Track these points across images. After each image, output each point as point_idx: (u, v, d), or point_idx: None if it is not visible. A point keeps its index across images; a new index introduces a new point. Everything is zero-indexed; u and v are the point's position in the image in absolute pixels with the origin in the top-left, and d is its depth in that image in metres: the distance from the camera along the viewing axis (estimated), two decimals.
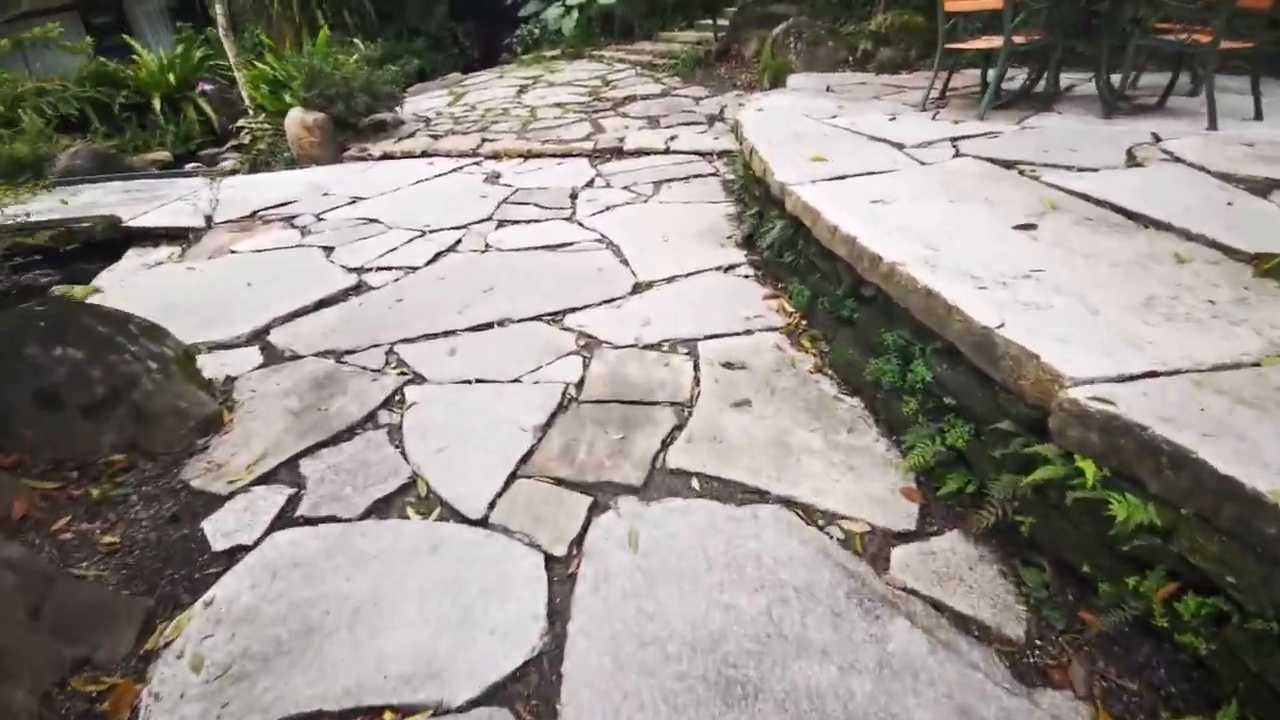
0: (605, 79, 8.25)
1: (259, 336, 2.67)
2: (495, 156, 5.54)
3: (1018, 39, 3.67)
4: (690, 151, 5.06)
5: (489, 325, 2.65)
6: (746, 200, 3.49)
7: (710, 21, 8.85)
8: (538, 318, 2.68)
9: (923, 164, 2.85)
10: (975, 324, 1.46)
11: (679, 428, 1.94)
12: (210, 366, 2.43)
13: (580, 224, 3.76)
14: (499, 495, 1.72)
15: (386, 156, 5.86)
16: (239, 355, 2.54)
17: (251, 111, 6.46)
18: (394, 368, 2.39)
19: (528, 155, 5.44)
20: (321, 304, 2.95)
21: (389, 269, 3.31)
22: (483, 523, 1.64)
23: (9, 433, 1.67)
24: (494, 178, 4.92)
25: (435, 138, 6.19)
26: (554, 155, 5.37)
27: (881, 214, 2.17)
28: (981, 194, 2.33)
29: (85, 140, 6.96)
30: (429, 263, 3.35)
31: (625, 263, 3.16)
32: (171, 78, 8.00)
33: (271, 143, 6.10)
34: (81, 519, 1.62)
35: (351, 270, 3.32)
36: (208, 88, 8.29)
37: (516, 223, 3.86)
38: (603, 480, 1.76)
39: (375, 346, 2.53)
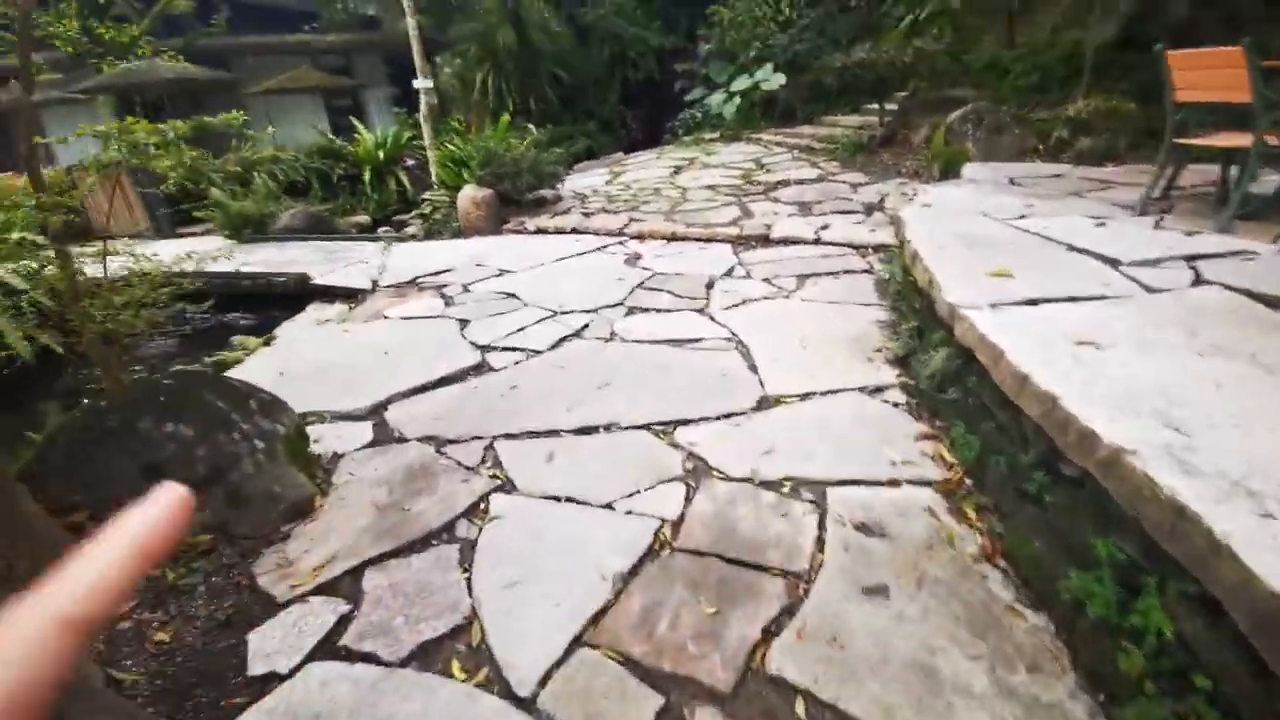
0: (760, 162, 8.19)
1: (377, 411, 2.70)
2: (639, 237, 5.56)
3: (1272, 139, 2.91)
4: (842, 243, 4.68)
5: (595, 429, 2.45)
6: (903, 310, 3.04)
7: (877, 106, 8.53)
8: (647, 426, 2.43)
9: (1149, 290, 2.23)
10: (1266, 588, 0.94)
11: (789, 612, 1.54)
12: (327, 438, 2.48)
13: (712, 318, 3.52)
14: (556, 666, 1.43)
15: (540, 231, 6.15)
16: (354, 430, 2.56)
17: (436, 185, 7.21)
18: (489, 467, 2.25)
19: (671, 238, 5.40)
20: (443, 381, 2.95)
21: (514, 350, 3.29)
22: (529, 704, 1.35)
23: (113, 505, 1.72)
24: (634, 259, 4.90)
25: (587, 215, 6.42)
26: (697, 239, 5.27)
27: (1092, 363, 1.65)
28: (1246, 346, 1.71)
29: (305, 203, 8.20)
30: (552, 347, 3.28)
31: (754, 369, 2.84)
32: (381, 154, 9.28)
33: (445, 214, 6.71)
34: (146, 605, 1.60)
35: (479, 347, 3.34)
36: (409, 163, 9.50)
37: (647, 311, 3.72)
38: (681, 673, 1.40)
39: (477, 439, 2.42)
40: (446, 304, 4.17)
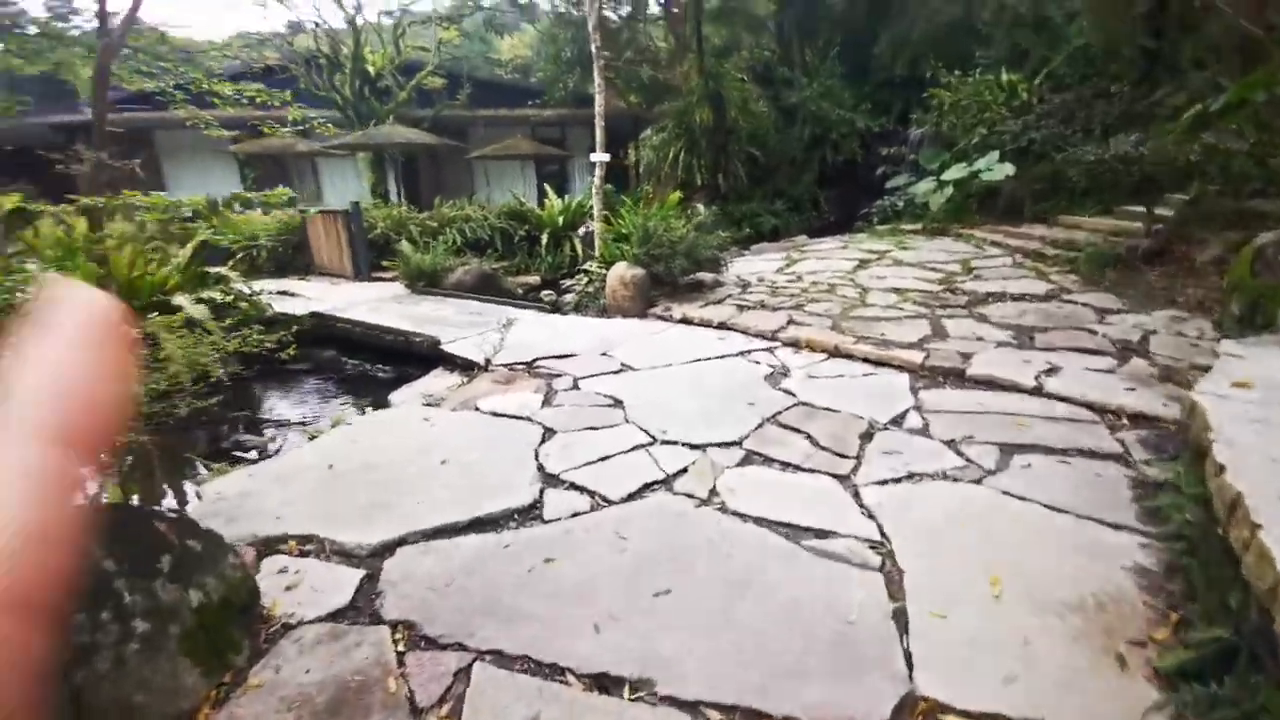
0: (968, 265, 6.79)
1: (380, 555, 2.14)
2: (795, 345, 4.64)
3: None
4: (1078, 400, 3.31)
5: (618, 684, 1.59)
6: (1195, 571, 1.77)
7: (1143, 210, 6.69)
8: (696, 706, 1.52)
9: None
10: None
11: None
12: (301, 587, 1.95)
13: (856, 495, 2.49)
14: None
15: (685, 321, 5.51)
16: (336, 581, 2.01)
17: (597, 258, 7.03)
18: (445, 715, 1.51)
19: (834, 352, 4.40)
20: (477, 525, 2.32)
21: (581, 490, 2.57)
22: None
23: None
24: (779, 374, 4.00)
25: (741, 308, 5.65)
26: (865, 359, 4.21)
27: None
28: None
29: (481, 260, 8.57)
30: (628, 498, 2.51)
31: (902, 626, 1.77)
32: (561, 219, 9.54)
33: (597, 288, 6.42)
34: None
35: (544, 477, 2.69)
36: (585, 230, 9.65)
37: (770, 462, 2.79)
38: None
39: (459, 647, 1.71)
40: (544, 401, 3.63)
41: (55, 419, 0.23)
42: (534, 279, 9.12)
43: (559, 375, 4.12)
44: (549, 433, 3.16)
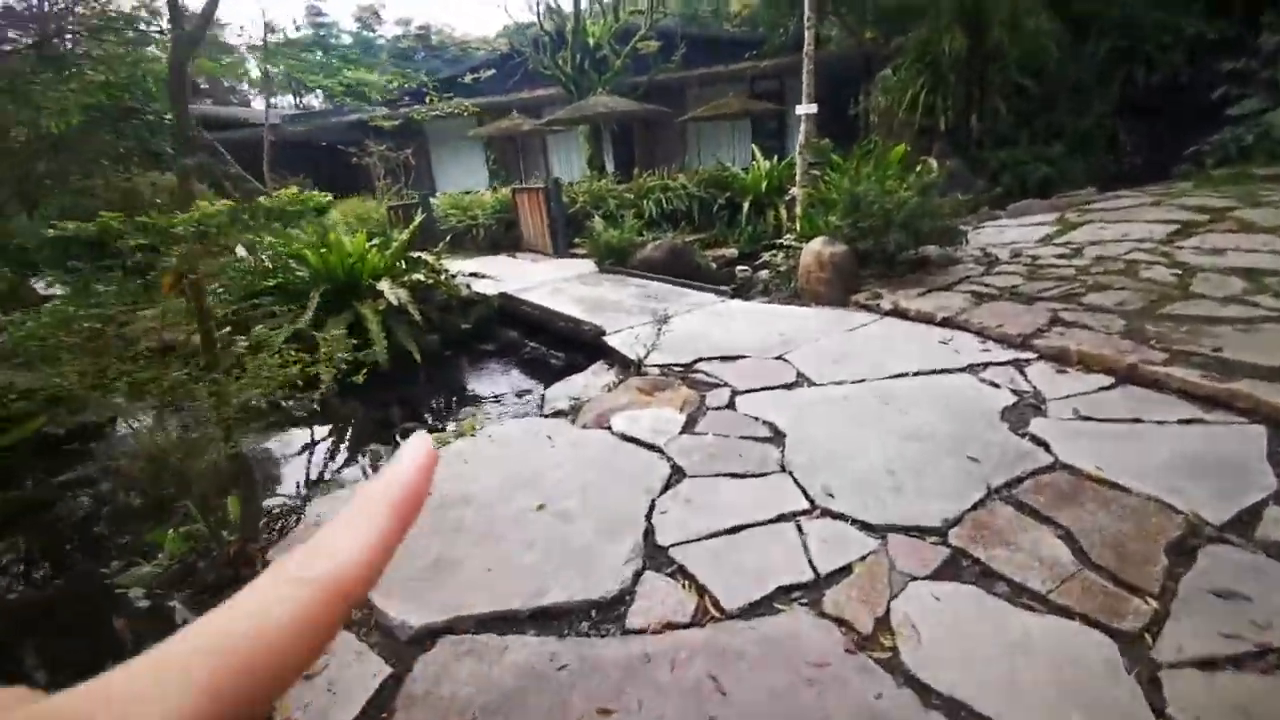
0: None
1: (418, 643, 1.74)
2: (1059, 360, 3.26)
3: None
4: None
5: None
6: None
7: None
8: None
9: None
10: None
11: None
12: (322, 677, 1.63)
13: (1151, 691, 1.40)
14: None
15: (896, 313, 4.33)
16: (362, 675, 1.65)
17: (796, 230, 6.01)
18: None
19: (1125, 376, 2.95)
20: (538, 617, 1.79)
21: (688, 581, 1.90)
22: None
23: None
24: (1030, 408, 2.77)
25: (978, 298, 4.25)
26: (1184, 393, 2.72)
27: None
28: None
29: (674, 233, 8.06)
30: (746, 610, 1.76)
31: None
32: (764, 185, 8.54)
33: (790, 267, 5.46)
34: None
35: (647, 550, 2.06)
36: (790, 195, 8.53)
37: (991, 579, 1.78)
38: None
39: None
40: (687, 423, 2.96)
41: (337, 569, 0.24)
42: (731, 251, 8.36)
43: (716, 385, 3.41)
44: (677, 474, 2.50)
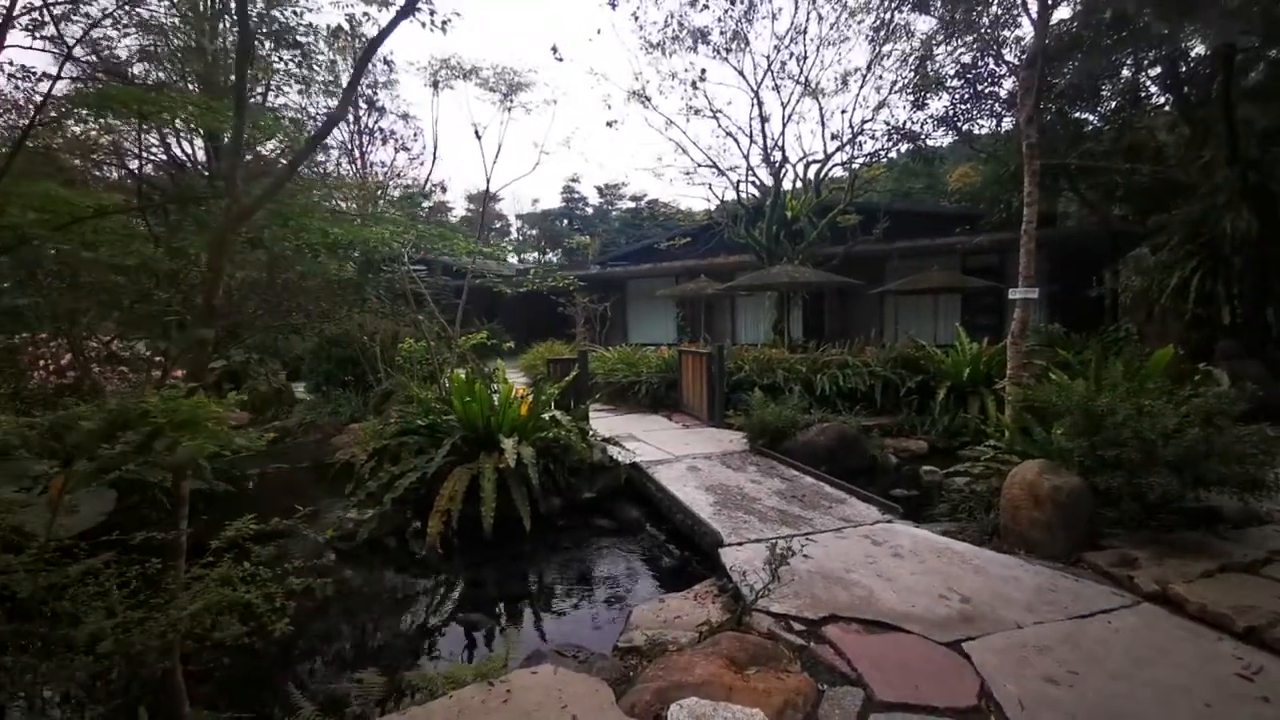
0: None
1: None
2: None
3: None
4: None
5: None
6: None
7: None
8: None
9: None
10: None
11: None
12: None
13: None
14: None
15: (1162, 599, 2.83)
16: None
17: (1005, 438, 4.67)
18: None
19: None
20: None
21: None
22: None
23: None
24: None
25: None
26: None
27: None
28: None
29: (848, 415, 7.00)
30: None
31: None
32: (967, 371, 7.20)
33: (991, 489, 4.13)
34: None
35: None
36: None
37: None
38: None
39: None
40: None
41: None
42: (919, 445, 7.00)
43: (844, 679, 2.32)
44: None
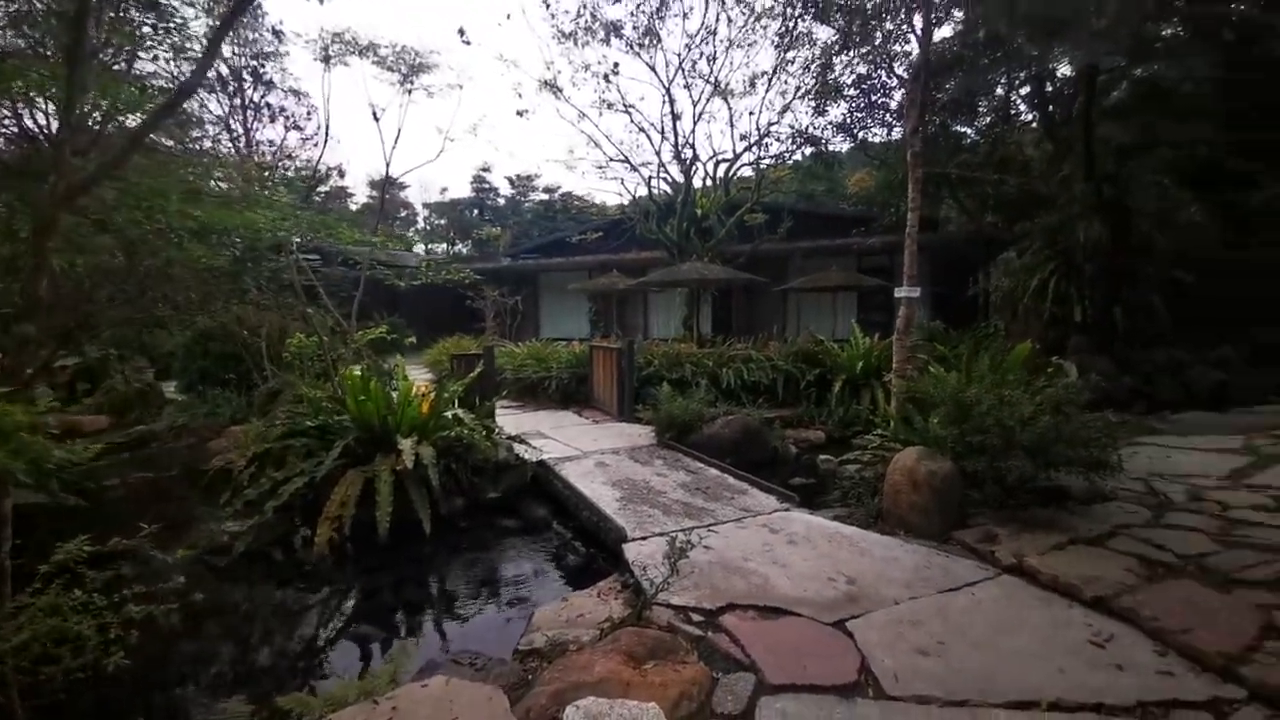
0: None
1: None
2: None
3: None
4: None
5: None
6: None
7: None
8: None
9: None
10: None
11: None
12: None
13: None
14: None
15: (1019, 570, 3.13)
16: None
17: (890, 429, 5.01)
18: None
19: None
20: None
21: None
22: None
23: None
24: None
25: (1148, 567, 2.99)
26: None
27: None
28: None
29: (751, 408, 7.26)
30: None
31: None
32: (859, 365, 7.67)
33: (876, 476, 4.42)
34: None
35: None
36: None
37: None
38: None
39: None
40: None
41: None
42: (817, 434, 7.37)
43: (738, 666, 2.39)
44: None
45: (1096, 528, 3.51)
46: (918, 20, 6.55)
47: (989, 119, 12.87)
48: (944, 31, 10.95)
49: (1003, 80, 11.89)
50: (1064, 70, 10.74)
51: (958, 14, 10.20)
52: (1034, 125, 12.60)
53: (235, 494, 4.64)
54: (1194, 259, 8.30)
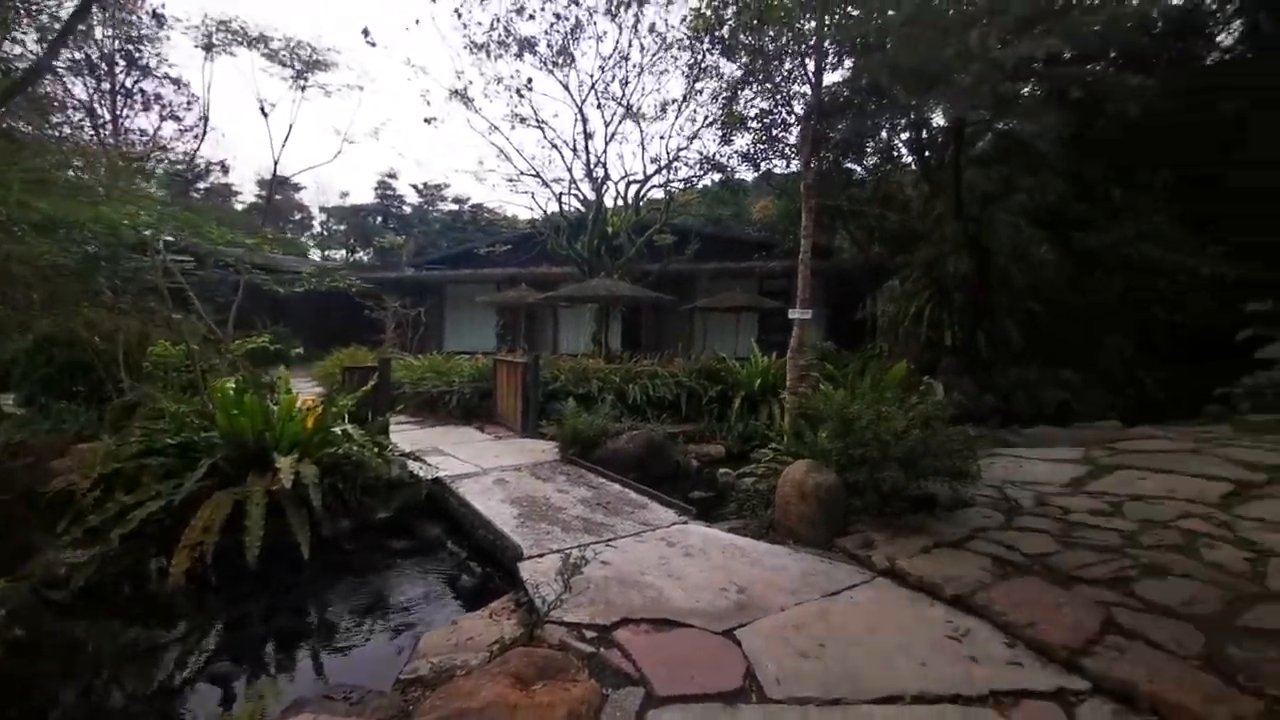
0: None
1: None
2: (1121, 696, 2.23)
3: None
4: None
5: None
6: None
7: None
8: None
9: None
10: None
11: None
12: None
13: None
14: None
15: (892, 574, 3.36)
16: None
17: (783, 444, 5.27)
18: None
19: None
20: None
21: None
22: None
23: None
24: None
25: (1000, 566, 3.31)
26: None
27: None
28: None
29: (656, 423, 7.37)
30: None
31: None
32: (758, 382, 8.04)
33: (769, 488, 4.62)
34: None
35: None
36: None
37: None
38: None
39: None
40: None
41: None
42: (717, 449, 7.59)
43: (629, 680, 2.39)
44: None
45: (958, 531, 3.85)
46: (810, 64, 7.03)
47: (875, 159, 13.99)
48: (835, 76, 11.83)
49: (886, 125, 13.02)
50: (939, 120, 11.92)
51: (848, 62, 11.09)
52: (913, 167, 13.87)
53: (76, 520, 4.09)
54: (1044, 293, 9.42)
